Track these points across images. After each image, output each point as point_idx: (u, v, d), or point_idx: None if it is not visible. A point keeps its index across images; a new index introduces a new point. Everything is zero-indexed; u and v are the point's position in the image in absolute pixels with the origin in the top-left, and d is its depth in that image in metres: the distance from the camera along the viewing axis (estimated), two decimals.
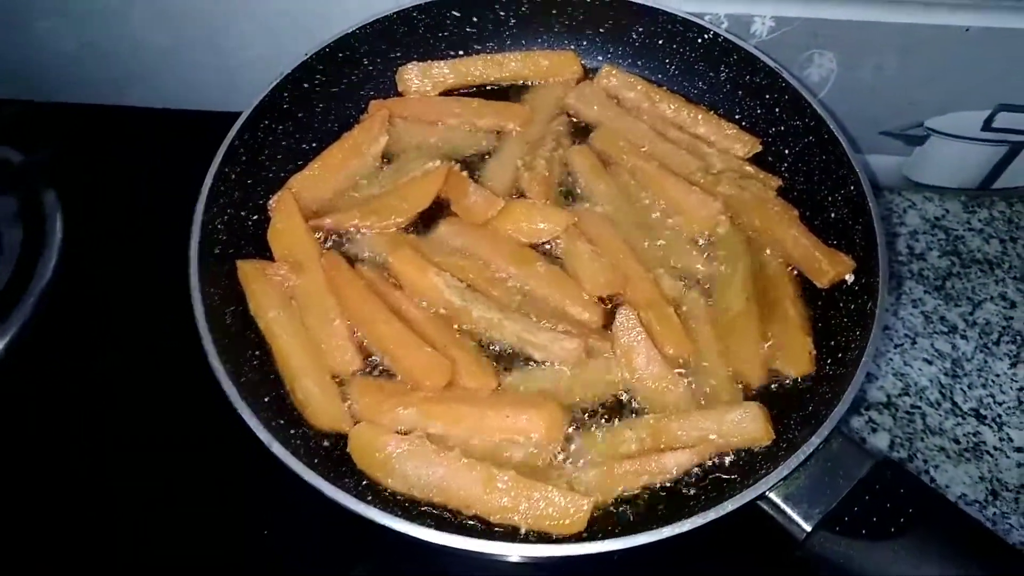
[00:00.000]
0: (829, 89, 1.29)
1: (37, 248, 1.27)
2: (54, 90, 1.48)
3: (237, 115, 1.11)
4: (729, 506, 0.83)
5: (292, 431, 0.94)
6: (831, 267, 1.05)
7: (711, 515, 0.82)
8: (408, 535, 0.81)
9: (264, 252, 1.08)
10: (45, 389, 1.18)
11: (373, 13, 1.20)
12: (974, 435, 1.19)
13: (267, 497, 1.07)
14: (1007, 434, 1.19)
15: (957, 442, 1.18)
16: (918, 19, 1.17)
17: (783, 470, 0.85)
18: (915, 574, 0.80)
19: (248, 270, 1.04)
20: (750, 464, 0.94)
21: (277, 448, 0.85)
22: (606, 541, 0.81)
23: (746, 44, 1.19)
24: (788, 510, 0.86)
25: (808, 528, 0.85)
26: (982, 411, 1.21)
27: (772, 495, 0.86)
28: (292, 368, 0.99)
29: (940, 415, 1.20)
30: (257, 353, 1.01)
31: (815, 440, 0.87)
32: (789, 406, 1.00)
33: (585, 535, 0.88)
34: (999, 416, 1.20)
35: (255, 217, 1.11)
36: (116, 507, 1.08)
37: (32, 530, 1.07)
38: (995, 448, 1.18)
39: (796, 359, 1.01)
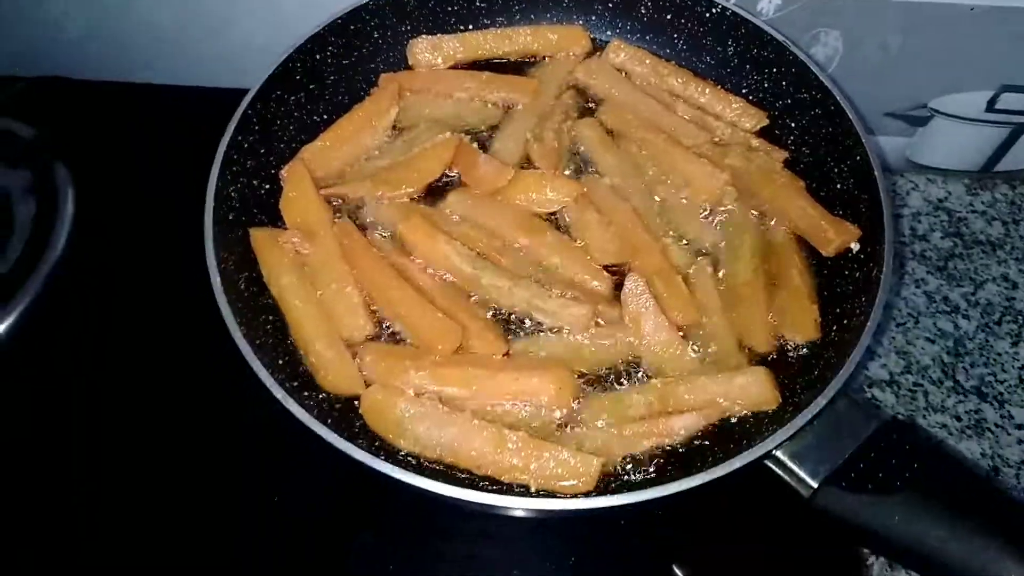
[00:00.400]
0: (834, 68, 1.30)
1: (49, 221, 1.27)
2: (64, 67, 1.49)
3: (247, 92, 1.12)
4: (737, 463, 0.84)
5: (305, 394, 0.95)
6: (837, 236, 1.06)
7: (719, 471, 0.83)
8: (421, 489, 0.82)
9: (276, 221, 1.09)
10: (59, 361, 1.18)
11: None
12: (976, 412, 1.20)
13: (278, 460, 1.09)
14: (1008, 411, 1.20)
15: (959, 419, 1.19)
16: None
17: (790, 429, 0.86)
18: (920, 527, 0.81)
19: (261, 238, 1.05)
20: (757, 427, 0.95)
21: (292, 405, 0.86)
22: (616, 496, 0.83)
23: (754, 18, 1.20)
24: (795, 467, 0.88)
25: (815, 484, 0.87)
26: (984, 389, 1.22)
27: (779, 453, 0.88)
28: (305, 334, 1.00)
29: (942, 393, 1.21)
30: (271, 318, 1.02)
31: (821, 401, 0.88)
32: (796, 371, 1.01)
33: (594, 494, 0.89)
34: (1000, 394, 1.22)
35: (267, 186, 1.12)
36: (131, 472, 1.09)
37: (47, 499, 1.08)
38: (996, 425, 1.19)
39: (802, 326, 1.02)
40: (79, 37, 1.44)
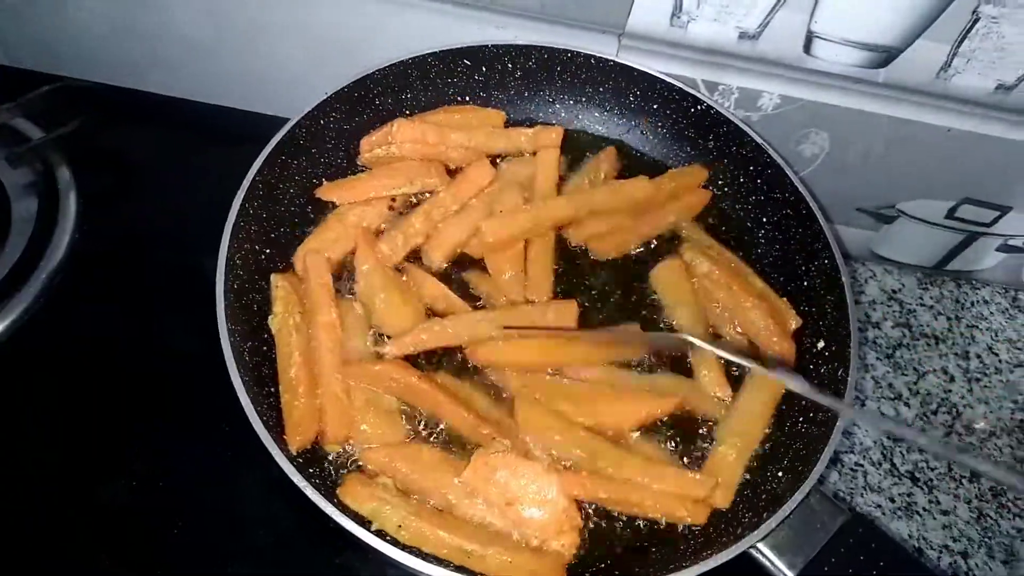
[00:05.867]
0: (818, 164, 1.36)
1: (50, 225, 1.28)
2: (82, 68, 1.49)
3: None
4: (724, 556, 0.89)
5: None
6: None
7: (709, 564, 0.89)
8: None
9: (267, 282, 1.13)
10: (56, 360, 1.19)
11: (407, 52, 1.25)
12: (908, 495, 1.26)
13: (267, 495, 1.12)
14: (936, 497, 1.26)
15: (892, 501, 1.25)
16: (908, 115, 1.24)
17: (772, 523, 0.92)
18: None
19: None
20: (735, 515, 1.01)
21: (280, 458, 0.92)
22: None
23: (735, 118, 1.26)
24: (774, 558, 0.92)
25: None
26: (916, 474, 1.28)
27: (760, 544, 0.93)
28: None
29: (880, 474, 1.28)
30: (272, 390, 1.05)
31: (798, 497, 0.93)
32: (768, 460, 1.06)
33: None
34: (931, 480, 1.28)
35: (268, 251, 1.14)
36: (127, 489, 1.10)
37: (43, 497, 1.08)
38: (924, 509, 1.25)
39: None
40: (104, 37, 1.43)
